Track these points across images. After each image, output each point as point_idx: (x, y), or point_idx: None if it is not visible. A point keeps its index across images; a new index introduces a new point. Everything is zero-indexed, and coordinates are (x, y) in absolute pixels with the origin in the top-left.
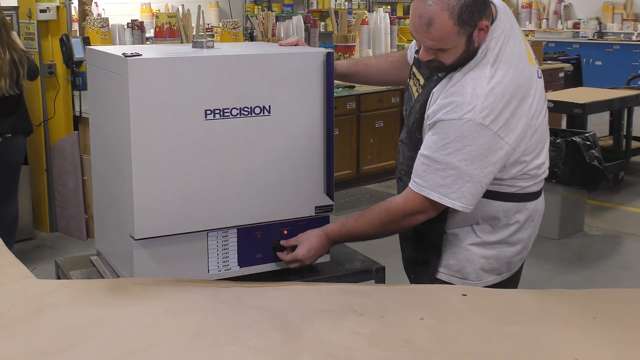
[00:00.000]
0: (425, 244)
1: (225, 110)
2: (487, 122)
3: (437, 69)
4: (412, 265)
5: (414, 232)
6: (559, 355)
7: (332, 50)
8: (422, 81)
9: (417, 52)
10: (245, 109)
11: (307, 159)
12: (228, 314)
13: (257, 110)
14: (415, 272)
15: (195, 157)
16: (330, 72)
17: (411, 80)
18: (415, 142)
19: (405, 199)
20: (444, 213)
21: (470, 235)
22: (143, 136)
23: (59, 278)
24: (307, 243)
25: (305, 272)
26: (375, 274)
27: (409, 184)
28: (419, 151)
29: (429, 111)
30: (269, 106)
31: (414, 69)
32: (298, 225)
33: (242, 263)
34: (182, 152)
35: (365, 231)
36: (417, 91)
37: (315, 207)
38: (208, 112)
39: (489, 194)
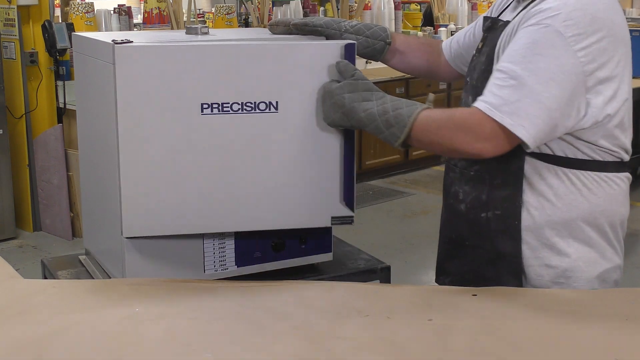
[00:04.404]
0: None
1: (224, 105)
2: (567, 34)
3: None
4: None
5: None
6: (597, 356)
7: (353, 42)
8: (483, 37)
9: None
10: (248, 104)
11: (321, 163)
12: (226, 315)
13: (262, 106)
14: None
15: (189, 154)
16: None
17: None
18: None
19: (470, 112)
20: None
21: None
22: (132, 129)
23: (45, 278)
24: None
25: (307, 272)
26: (380, 273)
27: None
28: None
29: (506, 34)
30: (276, 102)
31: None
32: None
33: (239, 262)
34: (175, 148)
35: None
36: (478, 49)
37: (332, 217)
38: (205, 105)
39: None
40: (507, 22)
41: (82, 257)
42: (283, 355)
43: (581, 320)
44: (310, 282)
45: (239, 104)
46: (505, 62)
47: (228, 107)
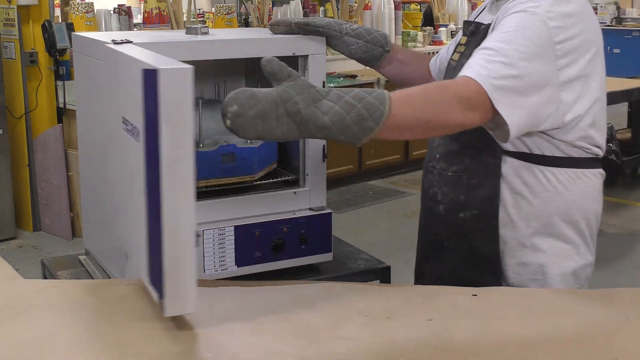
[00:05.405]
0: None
1: (127, 122)
2: (550, 24)
3: None
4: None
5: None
6: (597, 356)
7: (153, 69)
8: (464, 40)
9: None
10: (133, 125)
11: (133, 226)
12: (226, 315)
13: (135, 132)
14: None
15: (112, 172)
16: (150, 103)
17: (453, 55)
18: None
19: (464, 81)
20: None
21: None
22: (114, 131)
23: (45, 278)
24: None
25: (307, 272)
26: (380, 273)
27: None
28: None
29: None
30: (139, 130)
31: (460, 43)
32: (299, 223)
33: (239, 262)
34: (101, 159)
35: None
36: (459, 51)
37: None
38: (123, 119)
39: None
40: (489, 25)
41: (82, 257)
42: (283, 356)
43: (581, 320)
44: (310, 282)
45: (130, 125)
46: (494, 41)
47: (126, 125)
